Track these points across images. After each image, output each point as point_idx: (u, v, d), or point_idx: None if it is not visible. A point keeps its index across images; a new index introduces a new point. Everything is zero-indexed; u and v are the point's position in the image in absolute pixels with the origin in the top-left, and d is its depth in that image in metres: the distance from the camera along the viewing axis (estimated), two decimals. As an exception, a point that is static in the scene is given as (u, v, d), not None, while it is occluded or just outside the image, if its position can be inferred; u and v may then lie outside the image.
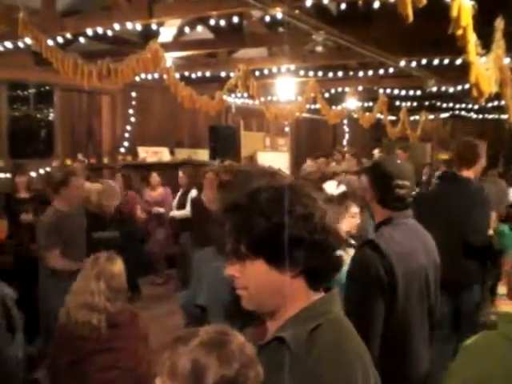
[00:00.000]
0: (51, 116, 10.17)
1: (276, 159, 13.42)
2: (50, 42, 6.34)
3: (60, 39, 6.88)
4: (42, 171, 9.14)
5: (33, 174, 8.98)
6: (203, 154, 12.46)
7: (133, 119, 11.29)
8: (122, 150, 11.02)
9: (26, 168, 7.98)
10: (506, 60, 5.92)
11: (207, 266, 3.00)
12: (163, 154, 11.83)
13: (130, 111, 11.25)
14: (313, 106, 12.58)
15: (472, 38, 4.19)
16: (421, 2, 2.62)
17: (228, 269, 1.63)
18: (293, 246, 1.52)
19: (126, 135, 11.16)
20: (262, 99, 9.75)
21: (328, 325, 1.54)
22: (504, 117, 14.40)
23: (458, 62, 8.14)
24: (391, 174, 2.89)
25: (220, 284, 2.67)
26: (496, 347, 2.02)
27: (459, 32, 3.79)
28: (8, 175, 8.63)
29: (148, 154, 11.43)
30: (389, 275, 2.72)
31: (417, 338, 2.90)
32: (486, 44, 5.05)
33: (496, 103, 12.24)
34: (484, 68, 4.85)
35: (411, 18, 2.62)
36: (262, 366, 1.45)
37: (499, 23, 5.35)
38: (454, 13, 3.60)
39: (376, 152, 12.31)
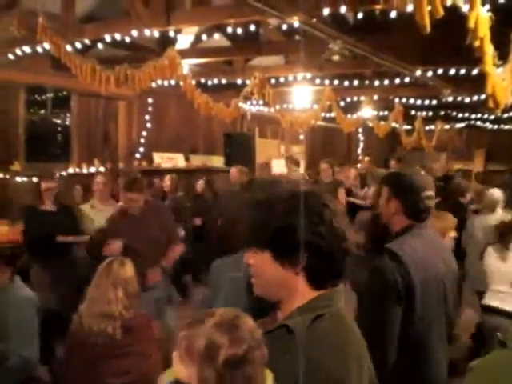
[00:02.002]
0: (68, 120, 10.24)
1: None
2: (69, 48, 6.40)
3: (78, 45, 6.94)
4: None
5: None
6: (218, 161, 12.49)
7: (149, 125, 11.35)
8: (138, 155, 11.07)
9: (51, 172, 7.28)
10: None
11: (225, 275, 3.02)
12: (178, 160, 11.87)
13: (146, 117, 11.32)
14: (328, 115, 12.59)
15: (489, 49, 4.18)
16: (438, 14, 2.63)
17: (245, 256, 1.81)
18: (297, 247, 1.67)
19: (142, 141, 11.22)
20: (278, 107, 9.76)
21: (330, 316, 1.69)
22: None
23: (474, 71, 8.13)
24: (420, 185, 2.96)
25: (236, 294, 2.69)
26: (509, 366, 2.00)
27: (476, 43, 3.79)
28: (24, 179, 8.72)
29: (163, 159, 11.48)
30: (406, 283, 2.73)
31: (437, 348, 2.89)
32: (502, 54, 5.05)
33: (512, 114, 12.22)
34: (500, 78, 4.84)
35: (428, 29, 2.63)
36: (267, 349, 1.59)
37: (516, 34, 5.35)
38: (472, 24, 3.60)
39: (393, 163, 12.27)
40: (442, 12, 2.67)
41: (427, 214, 2.98)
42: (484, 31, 3.82)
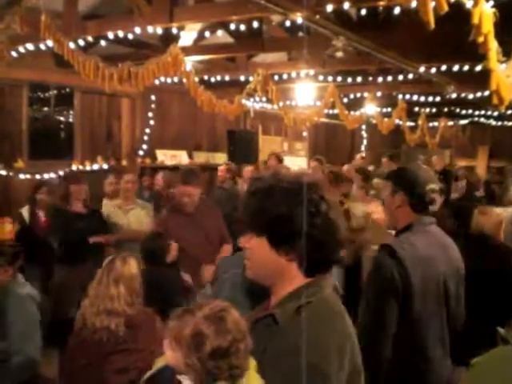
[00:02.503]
0: (71, 118, 10.24)
1: (294, 163, 13.42)
2: (72, 45, 6.39)
3: (81, 42, 6.94)
4: (61, 173, 9.21)
5: (52, 175, 9.09)
6: (221, 158, 12.48)
7: (152, 122, 11.35)
8: (141, 152, 11.07)
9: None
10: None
11: (229, 271, 3.03)
12: (181, 158, 11.87)
13: (150, 114, 11.32)
14: (331, 111, 12.57)
15: (493, 45, 4.17)
16: (443, 9, 2.62)
17: (241, 239, 1.90)
18: (293, 235, 1.75)
19: (145, 138, 11.22)
20: (281, 104, 9.75)
21: (315, 304, 1.76)
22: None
23: (478, 68, 8.09)
24: (424, 178, 3.02)
25: (237, 289, 2.70)
26: (510, 362, 1.99)
27: (480, 39, 3.77)
28: (28, 176, 8.73)
29: (166, 157, 11.48)
30: (404, 281, 2.77)
31: (434, 347, 2.90)
32: (506, 51, 5.03)
33: (516, 110, 12.19)
34: (505, 75, 4.82)
35: (433, 25, 2.62)
36: (254, 338, 1.74)
37: (520, 30, 5.33)
38: (476, 20, 3.59)
39: (384, 161, 12.29)
40: (446, 8, 2.66)
41: (432, 206, 3.03)
42: (488, 27, 3.81)
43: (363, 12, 6.58)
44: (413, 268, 2.78)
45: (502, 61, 4.64)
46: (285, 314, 1.75)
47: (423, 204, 3.00)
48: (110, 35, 6.75)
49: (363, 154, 14.36)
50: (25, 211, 7.09)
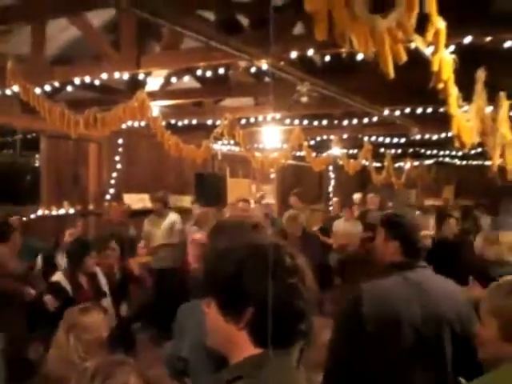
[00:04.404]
0: (37, 162, 10.17)
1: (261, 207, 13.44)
2: (38, 91, 6.39)
3: (48, 87, 6.95)
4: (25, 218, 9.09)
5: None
6: (189, 201, 12.45)
7: (119, 166, 11.29)
8: (108, 196, 11.00)
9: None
10: (489, 109, 6.04)
11: (191, 318, 2.99)
12: (148, 201, 11.80)
13: (117, 158, 11.26)
14: (298, 153, 12.70)
15: (453, 91, 4.27)
16: (401, 59, 2.69)
17: (203, 303, 1.74)
18: (242, 301, 1.60)
19: (112, 182, 11.15)
20: (248, 147, 9.83)
21: (250, 381, 1.57)
22: (488, 163, 14.61)
23: (441, 110, 8.27)
24: (416, 225, 3.14)
25: (203, 337, 2.66)
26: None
27: (440, 85, 3.86)
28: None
29: (133, 200, 11.41)
30: (359, 319, 2.81)
31: None
32: (467, 93, 5.17)
33: (480, 150, 12.42)
34: (465, 119, 4.94)
35: (392, 75, 2.69)
36: None
37: (480, 74, 5.48)
38: (435, 67, 3.67)
39: (356, 197, 12.45)
40: (404, 57, 2.72)
41: (423, 252, 3.11)
42: (448, 74, 3.90)
43: (327, 58, 6.71)
44: (370, 309, 2.82)
45: (462, 106, 4.76)
46: None
47: (416, 251, 3.08)
48: (77, 81, 6.76)
49: (337, 199, 14.50)
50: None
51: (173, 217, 9.38)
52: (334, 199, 13.26)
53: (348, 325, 2.89)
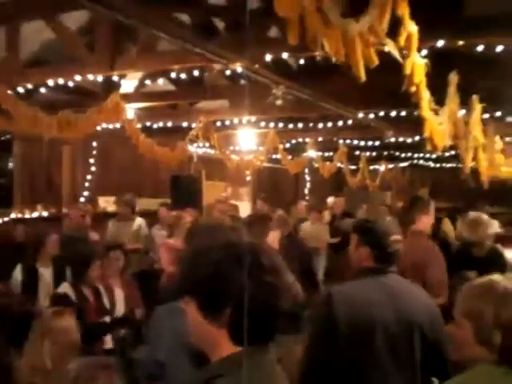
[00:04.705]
0: (10, 165, 10.07)
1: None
2: (11, 93, 6.34)
3: (21, 89, 6.89)
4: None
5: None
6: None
7: (93, 168, 11.23)
8: (82, 199, 10.92)
9: None
10: (462, 112, 6.12)
11: (168, 321, 2.99)
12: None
13: (91, 160, 11.21)
14: (274, 156, 12.73)
15: (425, 95, 4.34)
16: (373, 63, 2.72)
17: (182, 302, 1.77)
18: (220, 300, 1.64)
19: (87, 185, 11.08)
20: (224, 149, 9.84)
21: (230, 379, 1.60)
22: (461, 166, 14.78)
23: (415, 113, 8.35)
24: (387, 231, 3.22)
25: (180, 341, 2.66)
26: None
27: (413, 89, 3.92)
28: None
29: (108, 203, 11.34)
30: (332, 322, 2.85)
31: None
32: (440, 97, 5.24)
33: (454, 152, 12.55)
34: (438, 122, 5.01)
35: (364, 78, 2.72)
36: None
37: (453, 78, 5.55)
38: (408, 71, 3.72)
39: (331, 200, 12.48)
40: (376, 61, 2.76)
41: (394, 257, 3.17)
42: (420, 77, 3.96)
43: (302, 61, 6.74)
44: (342, 312, 2.85)
45: (434, 109, 4.82)
46: None
47: (386, 256, 3.12)
48: (51, 83, 6.72)
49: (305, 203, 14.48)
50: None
51: (138, 221, 9.11)
52: (301, 203, 13.13)
53: (321, 327, 2.93)
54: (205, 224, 3.54)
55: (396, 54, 3.30)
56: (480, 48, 5.43)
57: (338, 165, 13.44)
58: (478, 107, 6.21)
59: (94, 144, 11.19)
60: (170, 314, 2.96)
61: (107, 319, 5.49)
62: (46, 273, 6.38)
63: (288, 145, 13.22)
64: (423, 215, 4.98)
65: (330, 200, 13.01)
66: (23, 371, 3.46)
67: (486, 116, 7.73)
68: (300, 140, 12.75)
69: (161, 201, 11.96)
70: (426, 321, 3.00)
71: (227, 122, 10.48)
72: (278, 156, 11.72)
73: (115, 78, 7.15)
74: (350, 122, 9.92)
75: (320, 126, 10.68)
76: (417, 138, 11.53)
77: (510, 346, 2.13)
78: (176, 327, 2.83)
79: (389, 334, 2.90)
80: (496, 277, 2.27)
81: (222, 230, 2.83)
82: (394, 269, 3.16)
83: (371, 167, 16.14)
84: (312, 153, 12.60)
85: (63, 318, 3.65)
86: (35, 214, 9.66)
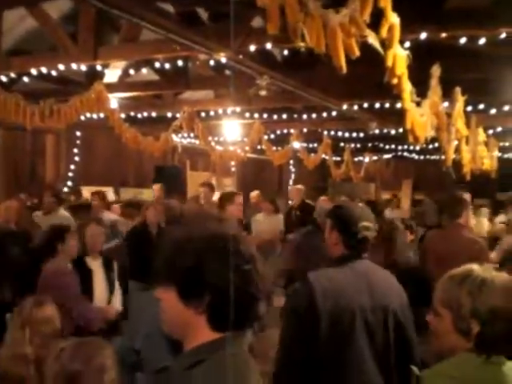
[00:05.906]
0: (-7, 154, 9.99)
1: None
2: (-7, 81, 6.31)
3: (4, 78, 6.84)
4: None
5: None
6: (149, 194, 12.39)
7: (77, 158, 11.19)
8: (66, 189, 10.87)
9: None
10: (445, 104, 6.15)
11: (145, 310, 3.00)
12: (108, 194, 11.68)
13: (75, 150, 11.16)
14: (259, 147, 12.72)
15: (407, 87, 4.35)
16: (354, 54, 2.73)
17: (156, 291, 1.79)
18: (202, 288, 1.68)
19: (70, 174, 11.04)
20: (208, 140, 9.82)
21: (209, 363, 1.66)
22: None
23: (398, 105, 8.39)
24: (358, 216, 3.11)
25: (156, 330, 2.67)
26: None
27: (394, 81, 3.93)
28: None
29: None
30: (311, 310, 2.84)
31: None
32: (422, 89, 5.26)
33: (436, 145, 12.61)
34: (419, 114, 5.04)
35: (345, 69, 2.73)
36: None
37: (435, 70, 5.58)
38: (389, 62, 3.74)
39: (322, 198, 12.40)
40: (357, 52, 2.77)
41: (365, 244, 3.12)
42: (401, 69, 3.98)
43: (286, 52, 6.75)
44: (322, 299, 2.85)
45: (416, 101, 4.85)
46: (176, 371, 1.71)
47: (356, 242, 3.09)
48: (34, 71, 6.67)
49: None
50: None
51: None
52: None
53: (302, 318, 2.87)
54: (187, 212, 3.52)
55: (377, 45, 3.32)
56: (463, 40, 5.46)
57: (323, 156, 13.47)
58: (460, 99, 6.24)
59: (78, 134, 11.14)
60: (151, 302, 2.97)
61: None
62: None
63: (272, 136, 13.22)
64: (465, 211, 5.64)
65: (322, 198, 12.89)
66: (3, 361, 3.46)
67: (469, 108, 7.80)
68: (285, 131, 12.76)
69: (146, 190, 11.92)
70: (398, 307, 3.05)
71: (212, 113, 10.47)
72: (263, 147, 11.73)
73: (99, 68, 7.12)
74: (334, 113, 9.94)
75: (304, 117, 10.70)
76: (401, 129, 11.58)
77: (486, 336, 2.17)
78: (155, 315, 2.85)
79: (367, 321, 2.93)
80: (474, 267, 2.30)
81: (204, 218, 2.84)
82: (366, 255, 3.17)
83: (355, 159, 16.19)
84: (296, 144, 12.60)
85: (44, 308, 3.64)
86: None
